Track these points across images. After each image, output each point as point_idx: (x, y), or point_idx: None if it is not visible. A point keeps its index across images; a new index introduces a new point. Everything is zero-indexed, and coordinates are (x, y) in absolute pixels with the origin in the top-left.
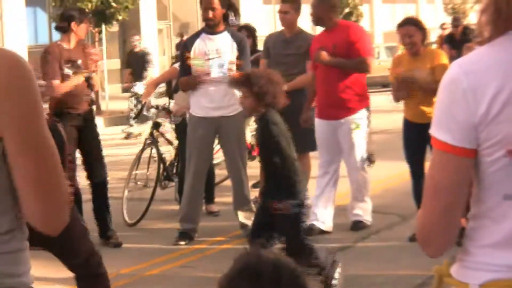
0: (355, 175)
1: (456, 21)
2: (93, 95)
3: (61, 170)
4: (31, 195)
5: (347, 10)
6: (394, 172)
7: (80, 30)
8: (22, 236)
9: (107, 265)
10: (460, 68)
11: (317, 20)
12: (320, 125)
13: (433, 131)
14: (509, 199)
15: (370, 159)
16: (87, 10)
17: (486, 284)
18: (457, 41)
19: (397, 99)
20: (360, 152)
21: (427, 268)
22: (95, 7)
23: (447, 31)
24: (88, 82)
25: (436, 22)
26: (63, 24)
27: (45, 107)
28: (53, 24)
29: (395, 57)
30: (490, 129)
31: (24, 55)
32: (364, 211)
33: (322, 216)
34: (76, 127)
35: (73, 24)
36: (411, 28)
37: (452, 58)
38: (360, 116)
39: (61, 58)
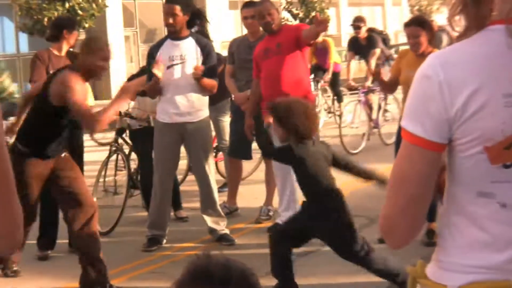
0: None
1: (358, 21)
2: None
3: (13, 191)
4: None
5: (313, 13)
6: None
7: (71, 37)
8: None
9: (75, 273)
10: (437, 60)
11: (270, 29)
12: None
13: (404, 123)
14: (483, 197)
15: None
16: (53, 18)
17: (466, 286)
18: (362, 46)
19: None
20: None
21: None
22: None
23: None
24: None
25: (402, 25)
26: (55, 32)
27: None
28: (20, 33)
29: (401, 51)
30: (467, 126)
31: None
32: None
33: (285, 216)
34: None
35: (65, 32)
36: (416, 28)
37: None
38: None
39: (49, 64)
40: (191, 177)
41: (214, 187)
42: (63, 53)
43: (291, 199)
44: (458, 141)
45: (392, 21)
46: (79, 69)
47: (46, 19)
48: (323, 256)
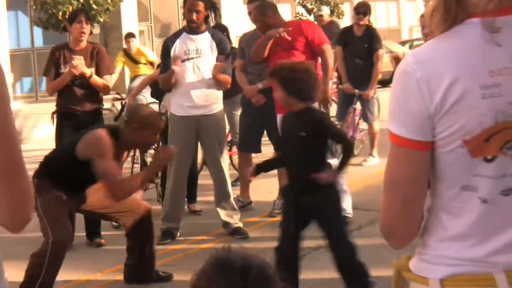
0: None
1: (361, 8)
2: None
3: (23, 167)
4: None
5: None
6: (375, 170)
7: (72, 30)
8: None
9: (90, 265)
10: (413, 58)
11: (267, 29)
12: (281, 121)
13: (388, 124)
14: (467, 190)
15: (332, 152)
16: (68, 12)
17: (448, 279)
18: (355, 39)
19: None
20: None
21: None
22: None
23: None
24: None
25: (417, 20)
26: (64, 26)
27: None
28: (35, 28)
29: (413, 48)
30: (446, 119)
31: (6, 59)
32: (346, 204)
33: None
34: (79, 127)
35: (67, 26)
36: None
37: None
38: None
39: (61, 58)
40: (204, 171)
41: (228, 180)
42: (79, 46)
43: None
44: (439, 136)
45: (407, 16)
46: (123, 137)
47: (60, 13)
48: None
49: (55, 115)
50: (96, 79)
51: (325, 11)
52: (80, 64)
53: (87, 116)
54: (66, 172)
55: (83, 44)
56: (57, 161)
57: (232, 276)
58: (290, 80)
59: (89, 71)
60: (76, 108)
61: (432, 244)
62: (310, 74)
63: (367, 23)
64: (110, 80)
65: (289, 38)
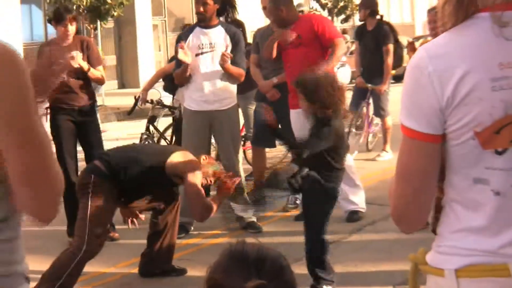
0: None
1: (368, 2)
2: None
3: (54, 163)
4: (22, 188)
5: (341, 3)
6: (388, 165)
7: (57, 30)
8: (15, 224)
9: (104, 259)
10: (426, 53)
11: (283, 23)
12: (293, 116)
13: (400, 117)
14: (479, 183)
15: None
16: (82, 6)
17: (463, 269)
18: (368, 32)
19: None
20: None
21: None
22: (90, 4)
23: None
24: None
25: None
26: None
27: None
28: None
29: (421, 42)
30: (457, 111)
31: (19, 52)
32: (359, 199)
33: None
34: (75, 121)
35: (53, 23)
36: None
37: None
38: None
39: (51, 55)
40: None
41: (242, 175)
42: (65, 43)
43: None
44: (451, 128)
45: (420, 11)
46: None
47: (74, 8)
48: (349, 245)
49: (48, 110)
50: (93, 72)
51: (306, 7)
52: (78, 58)
53: (82, 110)
54: (134, 180)
55: (70, 39)
56: (128, 167)
57: (247, 268)
58: (314, 93)
59: (87, 65)
60: (73, 103)
61: (447, 236)
62: (334, 85)
63: (378, 18)
64: (102, 70)
65: (293, 41)
